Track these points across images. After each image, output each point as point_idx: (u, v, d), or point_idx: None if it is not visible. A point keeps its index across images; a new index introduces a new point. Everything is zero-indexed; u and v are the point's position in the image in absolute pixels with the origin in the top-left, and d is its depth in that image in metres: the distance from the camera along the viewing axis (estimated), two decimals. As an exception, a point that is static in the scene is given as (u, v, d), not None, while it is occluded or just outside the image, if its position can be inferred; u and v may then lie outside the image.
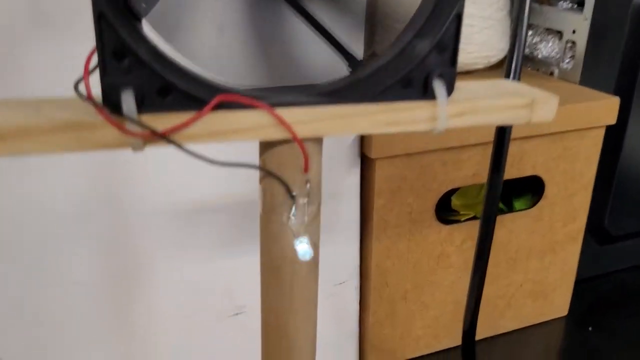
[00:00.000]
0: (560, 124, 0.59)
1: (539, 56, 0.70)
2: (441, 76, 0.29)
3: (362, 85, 0.29)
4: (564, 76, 0.67)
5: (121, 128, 0.25)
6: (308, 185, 0.30)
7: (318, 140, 0.30)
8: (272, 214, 0.30)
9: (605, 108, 0.61)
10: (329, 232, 0.57)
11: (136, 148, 0.26)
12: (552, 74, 0.69)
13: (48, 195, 0.46)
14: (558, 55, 0.68)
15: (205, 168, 0.50)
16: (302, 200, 0.30)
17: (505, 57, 0.68)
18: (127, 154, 0.47)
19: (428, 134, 0.52)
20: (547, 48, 0.69)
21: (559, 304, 0.72)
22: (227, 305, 0.55)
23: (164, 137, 0.26)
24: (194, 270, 0.53)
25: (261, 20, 0.38)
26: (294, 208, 0.30)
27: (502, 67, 0.64)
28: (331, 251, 0.57)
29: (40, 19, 0.42)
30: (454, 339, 0.67)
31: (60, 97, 0.28)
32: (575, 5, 0.66)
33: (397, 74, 0.29)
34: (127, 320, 0.52)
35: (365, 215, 0.57)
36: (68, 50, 0.42)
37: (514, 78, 0.39)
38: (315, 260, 0.33)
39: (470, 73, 0.66)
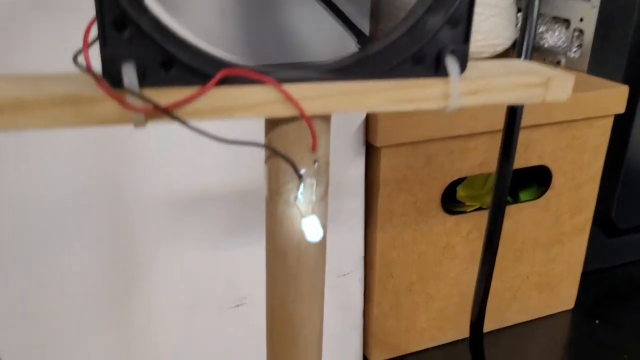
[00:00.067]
0: (568, 113, 0.58)
1: (546, 45, 0.69)
2: (454, 52, 0.28)
3: (371, 61, 0.28)
4: (571, 65, 0.66)
5: (122, 102, 0.24)
6: (316, 165, 0.29)
7: (326, 118, 0.29)
8: (278, 196, 0.29)
9: (614, 97, 0.60)
10: (333, 222, 0.56)
11: (138, 124, 0.25)
12: (558, 63, 0.68)
13: (45, 185, 0.45)
14: (565, 44, 0.67)
15: (207, 156, 0.49)
16: (309, 181, 0.29)
17: (511, 47, 0.67)
18: (126, 142, 0.46)
19: (433, 121, 0.51)
20: (553, 37, 0.68)
21: (565, 297, 0.71)
22: (228, 296, 0.54)
23: (167, 112, 0.25)
24: (195, 261, 0.52)
25: (265, 1, 0.37)
26: (301, 188, 0.29)
27: (509, 56, 0.63)
28: (335, 242, 0.56)
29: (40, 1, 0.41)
30: (460, 332, 0.66)
31: (60, 72, 0.27)
32: (583, -7, 0.65)
33: (408, 50, 0.28)
34: (127, 311, 0.51)
35: (370, 205, 0.56)
36: (69, 32, 0.41)
37: (525, 59, 0.38)
38: (322, 244, 0.32)
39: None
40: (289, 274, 0.31)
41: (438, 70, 0.28)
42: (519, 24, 0.67)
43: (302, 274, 0.31)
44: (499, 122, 0.55)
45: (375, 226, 0.56)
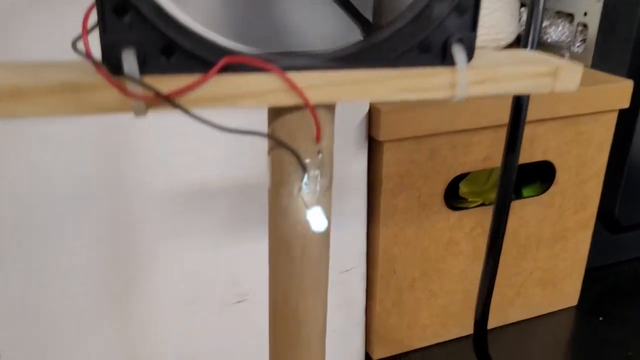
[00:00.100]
0: (572, 107, 0.58)
1: (549, 40, 0.68)
2: (461, 41, 0.28)
3: (377, 50, 0.27)
4: (575, 60, 0.65)
5: (122, 89, 0.23)
6: (320, 156, 0.28)
7: (330, 108, 0.28)
8: (282, 187, 0.29)
9: (619, 91, 0.59)
10: (335, 218, 0.55)
11: (138, 112, 0.24)
12: (562, 57, 0.67)
13: (45, 178, 0.44)
14: (568, 39, 0.66)
15: (207, 150, 0.48)
16: (313, 172, 0.28)
17: (514, 41, 0.66)
18: (126, 137, 0.45)
19: (437, 115, 0.51)
20: (557, 32, 0.67)
21: (568, 293, 0.70)
22: (229, 293, 0.54)
23: (168, 99, 0.24)
24: (195, 257, 0.51)
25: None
26: (305, 179, 0.28)
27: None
28: (337, 238, 0.56)
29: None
30: (463, 328, 0.65)
31: (60, 60, 0.26)
32: (587, -13, 0.64)
33: (414, 38, 0.27)
34: (127, 307, 0.51)
35: (373, 200, 0.56)
36: (68, 24, 0.40)
37: (531, 49, 0.37)
38: (326, 236, 0.31)
39: (479, 56, 0.65)
40: (293, 267, 0.31)
41: (445, 59, 0.28)
42: (522, 19, 0.66)
43: (306, 266, 0.31)
44: (503, 116, 0.55)
45: (378, 222, 0.56)
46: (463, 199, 0.64)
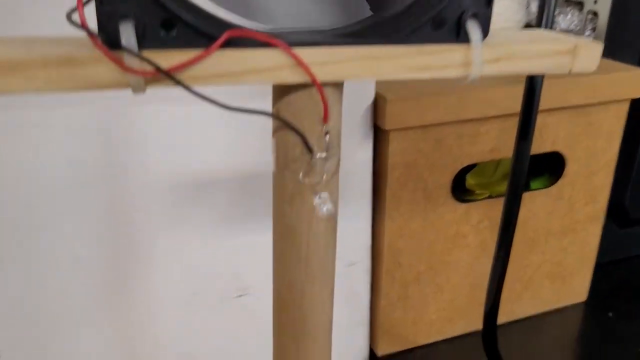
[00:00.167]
0: (583, 96, 0.56)
1: (558, 29, 0.67)
2: (475, 16, 0.26)
3: (388, 25, 0.26)
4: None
5: (119, 63, 0.22)
6: (327, 137, 0.27)
7: (338, 87, 0.27)
8: (287, 171, 0.27)
9: (630, 80, 0.58)
10: (339, 210, 0.54)
11: (136, 89, 0.23)
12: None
13: (41, 170, 0.43)
14: (578, 28, 0.65)
15: (209, 139, 0.47)
16: (320, 154, 0.27)
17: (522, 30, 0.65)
18: (125, 124, 0.44)
19: (444, 104, 0.49)
20: (565, 20, 0.66)
21: (578, 289, 0.69)
22: (230, 286, 0.53)
23: (168, 75, 0.23)
24: (196, 249, 0.50)
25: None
26: (311, 162, 0.27)
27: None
28: (341, 230, 0.54)
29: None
30: (469, 324, 0.64)
31: (55, 35, 0.25)
32: (597, -25, 0.63)
33: (427, 13, 0.26)
34: (126, 301, 0.49)
35: (378, 192, 0.54)
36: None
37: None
38: (333, 222, 0.30)
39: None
40: (299, 254, 0.29)
41: (459, 35, 0.26)
42: (530, 7, 0.65)
43: (313, 253, 0.29)
44: (512, 105, 0.54)
45: (383, 214, 0.54)
46: (470, 192, 0.62)
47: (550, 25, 0.35)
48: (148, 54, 0.22)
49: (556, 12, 0.67)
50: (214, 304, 0.53)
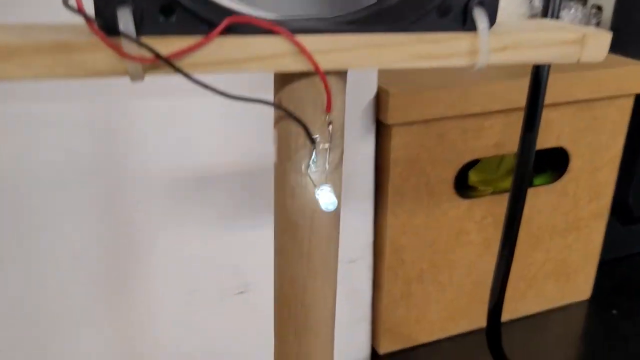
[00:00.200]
0: (587, 91, 0.56)
1: (561, 24, 0.66)
2: (482, 4, 0.26)
3: (392, 13, 0.25)
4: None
5: (117, 49, 0.21)
6: (330, 127, 0.26)
7: (342, 75, 0.26)
8: (289, 162, 0.27)
9: (635, 74, 0.57)
10: (340, 205, 0.53)
11: (135, 76, 0.22)
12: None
13: (38, 164, 0.42)
14: (582, 22, 0.64)
15: (208, 134, 0.46)
16: (323, 145, 0.26)
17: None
18: (123, 117, 0.43)
19: (447, 98, 0.49)
20: (569, 15, 0.65)
21: (581, 286, 0.68)
22: (231, 282, 0.52)
23: (167, 62, 0.22)
24: (196, 245, 0.49)
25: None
26: (314, 154, 0.26)
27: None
28: (343, 226, 0.54)
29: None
30: (472, 322, 0.64)
31: (52, 22, 0.24)
32: (601, -31, 0.62)
33: (432, 1, 0.25)
34: (126, 297, 0.49)
35: (380, 187, 0.54)
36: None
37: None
38: (336, 216, 0.29)
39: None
40: (301, 249, 0.29)
41: (465, 23, 0.26)
42: (532, 1, 0.64)
43: (315, 248, 0.29)
44: (515, 99, 0.53)
45: (386, 210, 0.54)
46: (473, 188, 0.62)
47: (556, 14, 0.35)
48: (147, 40, 0.22)
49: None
50: (215, 301, 0.52)
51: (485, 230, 0.59)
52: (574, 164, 0.60)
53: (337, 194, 0.28)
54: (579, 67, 0.56)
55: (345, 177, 0.54)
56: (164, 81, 0.43)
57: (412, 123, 0.50)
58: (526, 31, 0.27)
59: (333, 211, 0.27)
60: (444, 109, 0.51)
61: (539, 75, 0.35)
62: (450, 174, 0.55)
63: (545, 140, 0.57)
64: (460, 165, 0.55)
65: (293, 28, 0.24)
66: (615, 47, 0.61)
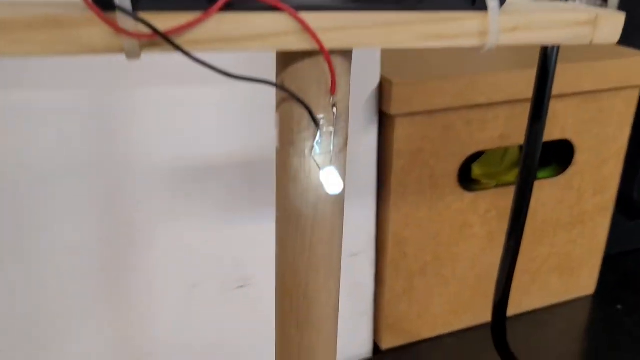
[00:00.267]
0: (593, 82, 0.55)
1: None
2: (492, -18, 0.25)
3: (399, -10, 0.24)
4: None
5: (113, 25, 0.20)
6: (334, 110, 0.25)
7: (347, 55, 0.25)
8: (292, 147, 0.26)
9: (641, 65, 0.56)
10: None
11: (131, 54, 0.21)
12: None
13: (33, 156, 0.41)
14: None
15: (208, 124, 0.45)
16: (327, 128, 0.25)
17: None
18: (122, 106, 0.42)
19: (451, 89, 0.48)
20: (573, 5, 0.64)
21: (586, 281, 0.67)
22: (231, 276, 0.51)
23: (165, 38, 0.21)
24: (195, 238, 0.48)
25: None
26: (318, 137, 0.25)
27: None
28: (345, 219, 0.53)
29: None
30: (474, 317, 0.63)
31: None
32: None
33: (440, -22, 0.24)
34: (124, 293, 0.48)
35: (383, 180, 0.53)
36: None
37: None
38: (340, 203, 0.29)
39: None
40: (304, 238, 0.28)
41: (475, 2, 0.25)
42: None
43: (318, 237, 0.28)
44: (521, 90, 0.52)
45: (388, 202, 0.53)
46: (476, 182, 0.61)
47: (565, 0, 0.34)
48: (143, 15, 0.21)
49: (564, -2, 0.65)
50: (215, 295, 0.51)
51: (489, 223, 0.58)
52: (579, 157, 0.59)
53: (342, 178, 0.27)
54: (585, 57, 0.55)
55: (347, 169, 0.53)
56: (163, 72, 0.42)
57: (416, 114, 0.49)
58: (537, 11, 0.26)
59: (337, 197, 0.27)
60: (449, 100, 0.50)
61: (546, 62, 0.34)
62: (454, 166, 0.54)
63: (550, 132, 0.56)
64: (464, 158, 0.54)
65: (296, 5, 0.23)
66: (621, 38, 0.60)
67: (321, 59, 0.24)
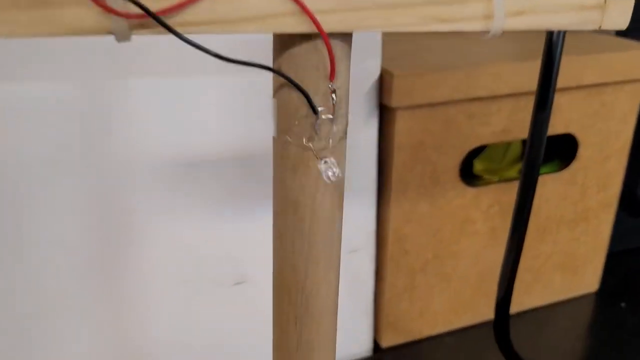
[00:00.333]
0: (597, 75, 0.54)
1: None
2: (498, -37, 0.24)
3: (401, -28, 0.23)
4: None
5: (101, 4, 0.19)
6: (334, 97, 0.24)
7: (347, 39, 0.24)
8: (289, 135, 0.25)
9: (646, 59, 0.55)
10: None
11: (120, 36, 0.20)
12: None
13: (21, 144, 0.40)
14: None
15: (204, 117, 0.44)
16: (326, 116, 0.24)
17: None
18: (115, 99, 0.41)
19: (453, 81, 0.47)
20: None
21: (589, 278, 0.67)
22: (227, 273, 0.50)
23: (156, 18, 0.20)
24: (190, 234, 0.47)
25: None
26: (316, 124, 0.24)
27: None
28: (344, 214, 0.52)
29: None
30: (476, 316, 0.62)
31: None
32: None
33: (444, -41, 0.23)
34: (118, 290, 0.47)
35: (383, 174, 0.52)
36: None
37: None
38: (340, 194, 0.28)
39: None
40: (302, 230, 0.27)
41: (479, -16, 0.24)
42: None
43: (317, 230, 0.27)
44: (524, 83, 0.51)
45: (389, 197, 0.52)
46: (478, 177, 0.60)
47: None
48: (133, -4, 0.20)
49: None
50: (210, 291, 0.50)
51: (492, 219, 0.57)
52: (583, 152, 0.58)
53: (342, 167, 0.26)
54: (588, 50, 0.54)
55: (347, 163, 0.52)
56: (157, 64, 0.41)
57: (417, 107, 0.49)
58: (544, -6, 0.25)
59: (337, 187, 0.26)
60: (451, 92, 0.49)
61: (552, 49, 0.34)
62: (456, 160, 0.53)
63: (553, 126, 0.55)
64: (466, 152, 0.53)
65: (294, -15, 0.22)
66: (626, 31, 0.60)
67: (320, 43, 0.23)
